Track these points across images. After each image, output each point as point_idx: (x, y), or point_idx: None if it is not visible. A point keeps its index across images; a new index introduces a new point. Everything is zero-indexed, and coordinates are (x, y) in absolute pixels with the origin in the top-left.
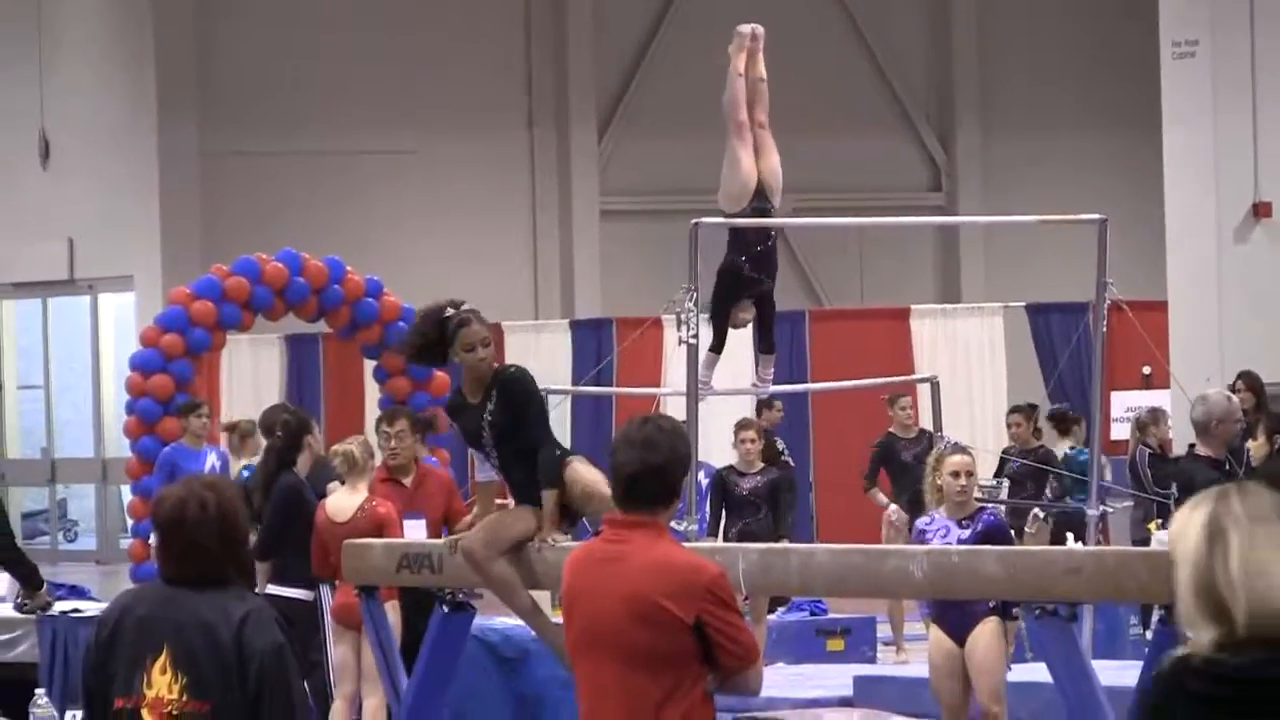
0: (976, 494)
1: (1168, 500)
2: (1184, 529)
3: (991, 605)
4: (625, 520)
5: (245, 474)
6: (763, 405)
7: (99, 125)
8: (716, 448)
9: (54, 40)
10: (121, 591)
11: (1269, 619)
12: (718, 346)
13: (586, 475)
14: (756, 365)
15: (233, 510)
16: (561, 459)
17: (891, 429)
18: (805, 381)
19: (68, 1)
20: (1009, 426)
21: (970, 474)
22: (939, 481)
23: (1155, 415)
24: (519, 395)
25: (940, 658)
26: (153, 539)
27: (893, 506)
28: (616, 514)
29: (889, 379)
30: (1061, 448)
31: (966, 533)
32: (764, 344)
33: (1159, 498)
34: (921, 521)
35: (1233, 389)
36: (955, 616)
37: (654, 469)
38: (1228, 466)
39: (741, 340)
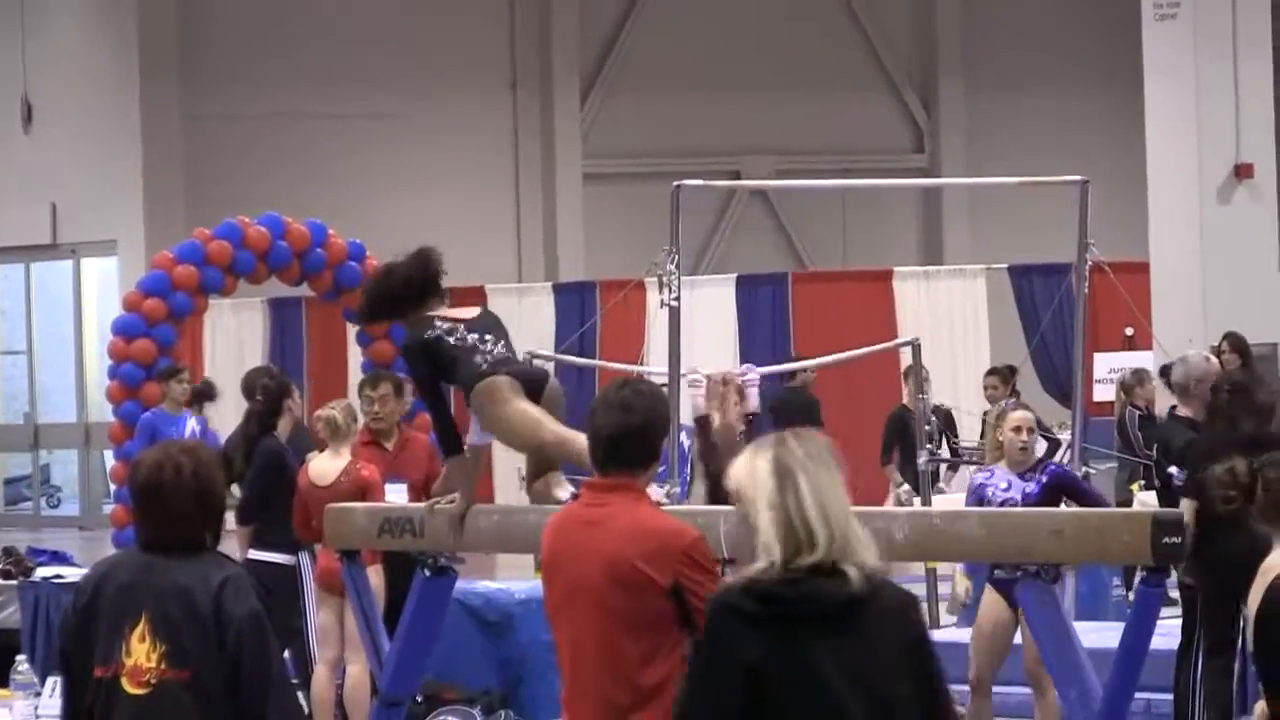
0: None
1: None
2: (752, 472)
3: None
4: (604, 483)
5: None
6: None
7: (81, 89)
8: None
9: (36, 3)
10: (100, 559)
11: (842, 543)
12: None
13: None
14: None
15: (209, 475)
16: (480, 377)
17: (905, 401)
18: (788, 345)
19: None
20: (985, 389)
21: (1032, 430)
22: (1000, 438)
23: (1140, 376)
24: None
25: (988, 625)
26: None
27: (905, 486)
28: (596, 477)
29: (872, 348)
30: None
31: (1031, 485)
32: None
33: (1149, 459)
34: (980, 475)
35: (1218, 350)
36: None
37: (632, 431)
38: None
39: (725, 315)
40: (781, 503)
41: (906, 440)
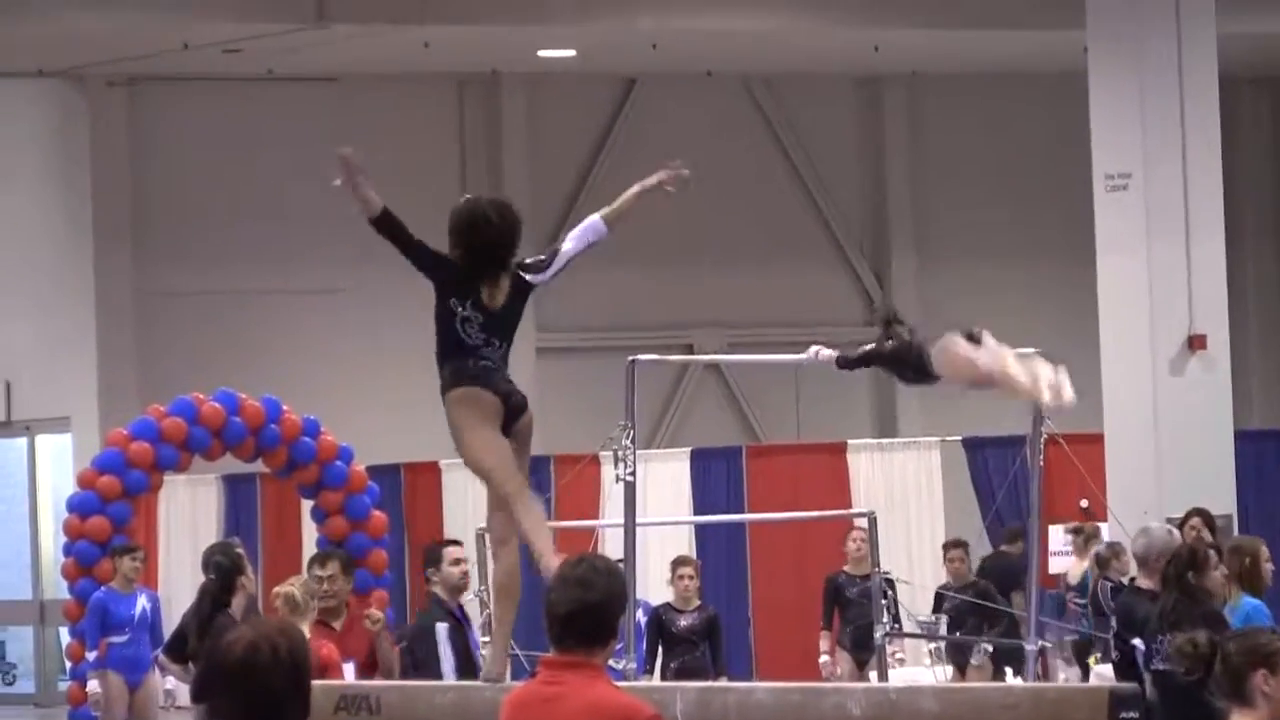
0: (913, 628)
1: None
2: None
3: None
4: (561, 661)
5: None
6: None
7: (35, 266)
8: (654, 584)
9: None
10: None
11: None
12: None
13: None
14: None
15: (304, 657)
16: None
17: (846, 566)
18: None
19: (3, 143)
20: (949, 562)
21: None
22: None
23: (1114, 549)
24: None
25: None
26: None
27: (824, 659)
28: (553, 654)
29: (825, 513)
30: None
31: None
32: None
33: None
34: None
35: (1182, 524)
36: None
37: (590, 608)
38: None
39: (679, 489)
40: None
41: (842, 602)
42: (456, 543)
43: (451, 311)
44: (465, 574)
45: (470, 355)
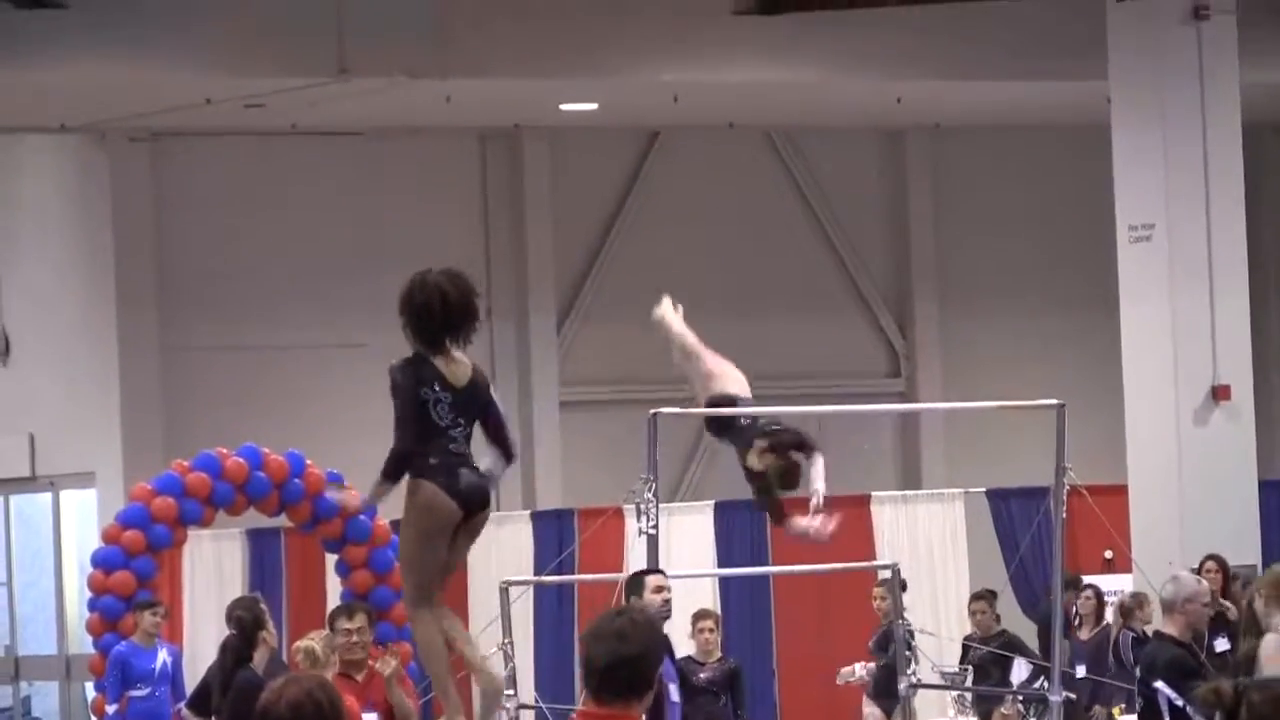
0: (937, 680)
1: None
2: None
3: None
4: (597, 713)
5: None
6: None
7: (59, 321)
8: (680, 637)
9: (12, 236)
10: None
11: None
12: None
13: None
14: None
15: (342, 711)
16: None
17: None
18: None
19: (26, 198)
20: (973, 614)
21: None
22: None
23: (1139, 599)
24: None
25: None
26: None
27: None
28: (590, 706)
29: (849, 565)
30: None
31: None
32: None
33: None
34: None
35: (1199, 570)
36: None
37: (627, 660)
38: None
39: (703, 542)
40: None
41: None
42: (659, 571)
43: (423, 401)
44: (667, 602)
45: (440, 437)
